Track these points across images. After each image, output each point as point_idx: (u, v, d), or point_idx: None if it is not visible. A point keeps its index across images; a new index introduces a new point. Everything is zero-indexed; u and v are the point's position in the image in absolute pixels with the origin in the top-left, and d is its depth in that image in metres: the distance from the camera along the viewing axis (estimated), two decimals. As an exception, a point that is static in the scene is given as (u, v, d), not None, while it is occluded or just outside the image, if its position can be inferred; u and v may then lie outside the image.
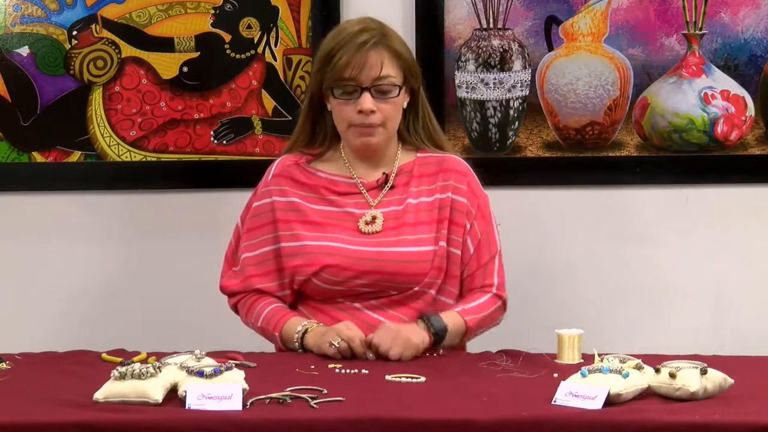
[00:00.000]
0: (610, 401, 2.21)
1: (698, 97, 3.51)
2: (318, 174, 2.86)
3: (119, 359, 2.54)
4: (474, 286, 2.85)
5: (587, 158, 3.54)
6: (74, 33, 3.50)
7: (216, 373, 2.23)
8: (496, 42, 3.50)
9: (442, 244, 2.80)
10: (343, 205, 2.83)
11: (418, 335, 2.66)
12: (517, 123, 3.53)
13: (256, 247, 2.84)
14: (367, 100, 2.75)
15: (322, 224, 2.81)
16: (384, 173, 2.85)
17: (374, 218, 2.81)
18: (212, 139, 3.53)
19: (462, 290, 2.85)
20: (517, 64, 3.51)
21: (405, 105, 2.84)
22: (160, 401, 2.18)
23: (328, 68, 2.76)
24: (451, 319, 2.75)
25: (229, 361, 2.34)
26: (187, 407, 2.15)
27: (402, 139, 2.89)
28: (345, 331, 2.63)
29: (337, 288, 2.77)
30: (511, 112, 3.52)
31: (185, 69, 3.51)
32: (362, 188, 2.84)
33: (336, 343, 2.60)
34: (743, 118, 3.52)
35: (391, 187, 2.85)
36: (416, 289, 2.79)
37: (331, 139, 2.87)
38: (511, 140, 3.53)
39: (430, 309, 2.79)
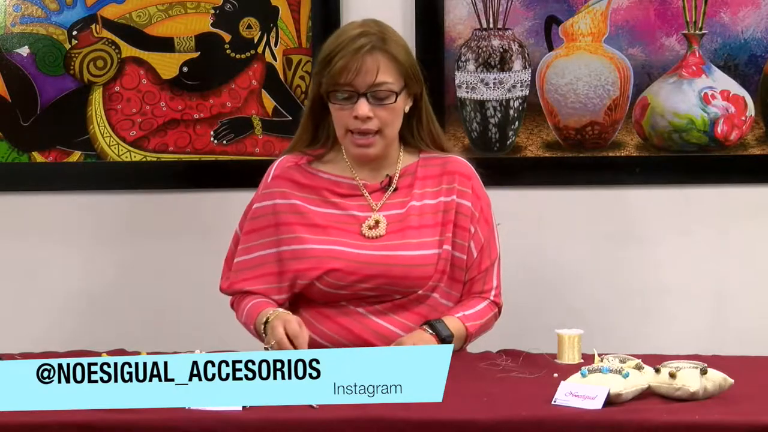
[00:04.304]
0: (610, 401, 2.21)
1: (698, 97, 3.51)
2: (319, 175, 2.83)
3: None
4: (473, 291, 2.84)
5: (587, 158, 3.54)
6: (74, 33, 3.50)
7: None
8: (496, 42, 3.50)
9: (447, 247, 2.78)
10: (346, 208, 2.80)
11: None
12: (517, 123, 3.53)
13: (252, 251, 2.81)
14: (362, 106, 2.71)
15: (325, 227, 2.78)
16: (387, 175, 2.84)
17: (377, 222, 2.79)
18: (212, 139, 3.53)
19: (461, 294, 2.85)
20: (517, 64, 3.51)
21: (407, 110, 2.80)
22: None
23: (325, 72, 2.73)
24: (454, 325, 2.74)
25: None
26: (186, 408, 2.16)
27: (404, 141, 2.86)
28: (280, 335, 2.59)
29: (342, 292, 2.76)
30: (511, 112, 3.52)
31: (185, 69, 3.51)
32: (364, 190, 2.82)
33: (269, 347, 2.58)
34: (743, 118, 3.52)
35: (395, 190, 2.84)
36: (420, 292, 2.77)
37: (333, 141, 2.84)
38: (511, 140, 3.54)
39: (434, 313, 2.78)
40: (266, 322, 2.67)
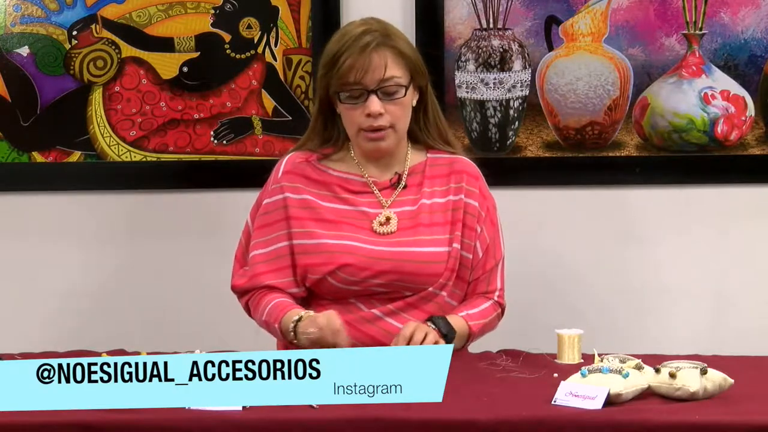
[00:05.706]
0: (610, 401, 2.21)
1: (698, 97, 3.51)
2: (330, 172, 2.83)
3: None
4: (477, 291, 2.84)
5: (587, 158, 3.54)
6: (74, 33, 3.50)
7: None
8: (496, 42, 3.50)
9: (456, 246, 2.79)
10: (357, 204, 2.80)
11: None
12: (517, 123, 3.53)
13: (268, 244, 2.81)
14: (374, 103, 2.72)
15: (337, 222, 2.78)
16: (396, 173, 2.84)
17: (388, 219, 2.79)
18: (212, 139, 3.53)
19: (465, 294, 2.85)
20: (517, 64, 3.51)
21: (414, 103, 2.82)
22: None
23: (332, 73, 2.74)
24: (456, 323, 2.74)
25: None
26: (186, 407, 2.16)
27: (412, 138, 2.87)
28: (322, 323, 2.60)
29: (353, 288, 2.76)
30: (511, 112, 3.52)
31: (185, 69, 3.51)
32: (374, 188, 2.82)
33: (310, 332, 2.59)
34: (743, 118, 3.52)
35: (404, 187, 2.84)
36: (430, 289, 2.77)
37: (343, 140, 2.85)
38: (511, 140, 3.54)
39: (441, 312, 2.78)
40: (299, 320, 2.65)
